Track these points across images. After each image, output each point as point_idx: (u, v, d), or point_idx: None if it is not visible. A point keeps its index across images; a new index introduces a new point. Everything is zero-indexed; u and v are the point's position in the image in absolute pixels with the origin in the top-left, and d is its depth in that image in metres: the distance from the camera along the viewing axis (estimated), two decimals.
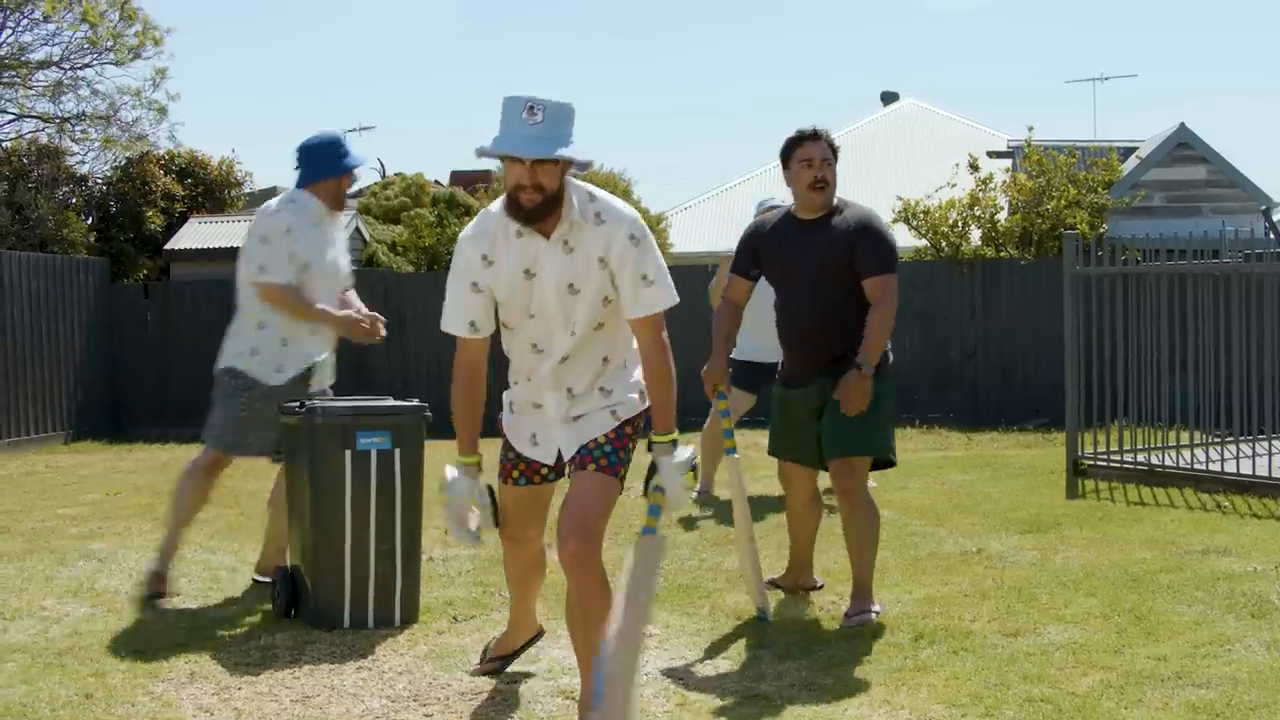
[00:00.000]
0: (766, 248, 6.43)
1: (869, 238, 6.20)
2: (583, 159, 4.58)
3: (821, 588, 6.92)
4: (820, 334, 6.28)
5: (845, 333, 6.20)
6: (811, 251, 6.23)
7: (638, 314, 4.73)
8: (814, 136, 6.29)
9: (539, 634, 5.72)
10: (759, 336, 8.63)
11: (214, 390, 7.41)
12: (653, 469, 4.75)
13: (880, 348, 6.15)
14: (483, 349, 4.84)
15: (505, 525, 5.06)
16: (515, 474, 5.01)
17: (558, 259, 4.68)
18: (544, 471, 4.99)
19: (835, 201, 6.33)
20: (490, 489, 4.96)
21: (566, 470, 4.92)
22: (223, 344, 7.37)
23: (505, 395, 5.05)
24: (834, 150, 6.33)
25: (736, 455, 6.56)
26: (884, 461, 6.50)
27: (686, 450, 4.76)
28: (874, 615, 6.23)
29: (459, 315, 4.80)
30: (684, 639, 6.11)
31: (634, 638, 4.43)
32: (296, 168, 7.10)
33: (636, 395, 4.90)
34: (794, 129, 6.37)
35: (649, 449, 4.79)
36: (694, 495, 9.35)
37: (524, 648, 5.65)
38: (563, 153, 4.51)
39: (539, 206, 4.56)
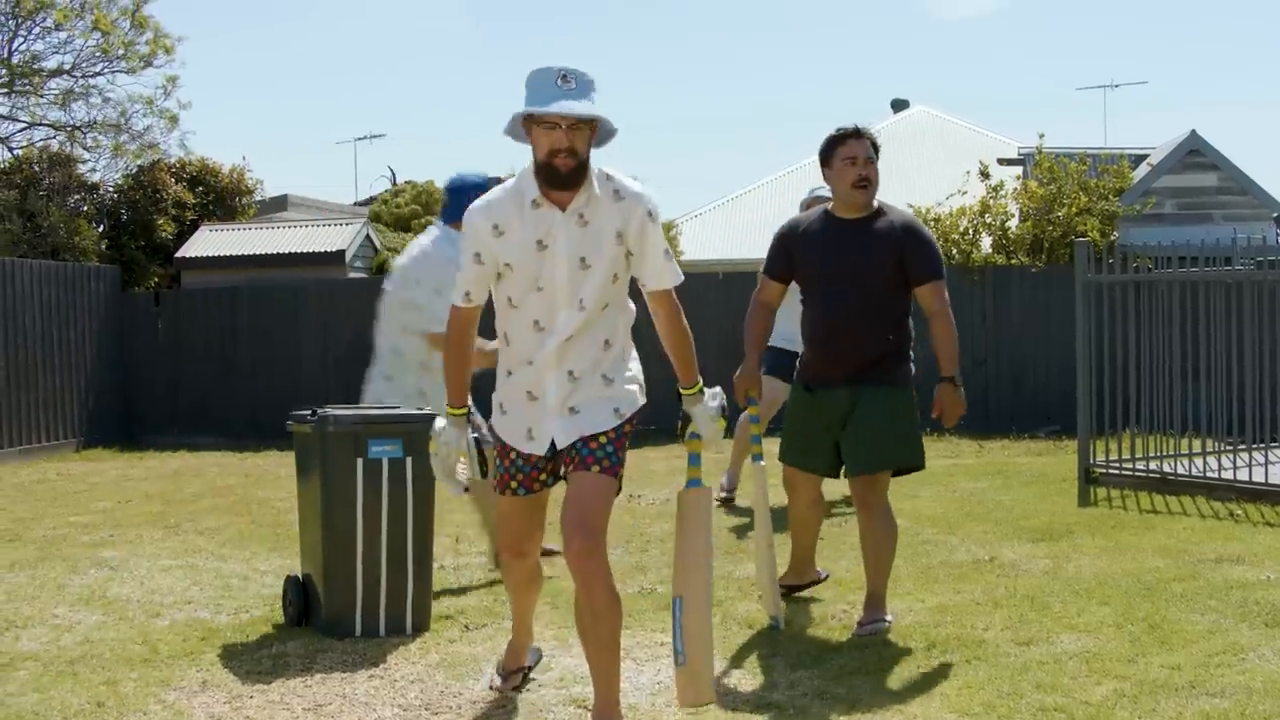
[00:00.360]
0: (802, 248, 6.32)
1: (917, 242, 6.14)
2: (615, 125, 4.71)
3: (827, 578, 6.97)
4: (855, 336, 6.16)
5: (878, 338, 6.16)
6: (854, 252, 6.13)
7: (663, 285, 4.89)
8: (856, 134, 6.20)
9: (538, 657, 5.72)
10: (792, 325, 8.63)
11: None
12: (686, 419, 5.09)
13: (955, 354, 6.14)
14: (475, 313, 4.93)
15: (507, 541, 5.14)
16: (514, 484, 4.99)
17: (572, 231, 4.72)
18: (542, 477, 4.99)
19: (876, 202, 6.26)
20: (478, 440, 5.10)
21: (563, 471, 4.91)
22: (373, 387, 7.54)
23: (495, 397, 5.03)
24: (876, 148, 6.25)
25: (763, 463, 6.48)
26: (911, 466, 6.42)
27: (714, 394, 5.11)
28: (886, 624, 6.21)
29: (460, 284, 4.88)
30: None
31: (701, 596, 4.88)
32: (445, 205, 7.48)
33: (636, 388, 4.97)
34: (835, 128, 6.28)
35: (679, 399, 5.07)
36: (719, 496, 9.40)
37: (528, 670, 5.64)
38: (601, 114, 4.63)
39: (574, 171, 4.63)
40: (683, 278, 4.96)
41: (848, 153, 6.17)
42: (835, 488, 8.03)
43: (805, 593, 6.92)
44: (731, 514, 9.58)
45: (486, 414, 5.25)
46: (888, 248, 6.12)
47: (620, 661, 4.89)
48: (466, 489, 5.24)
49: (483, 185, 6.97)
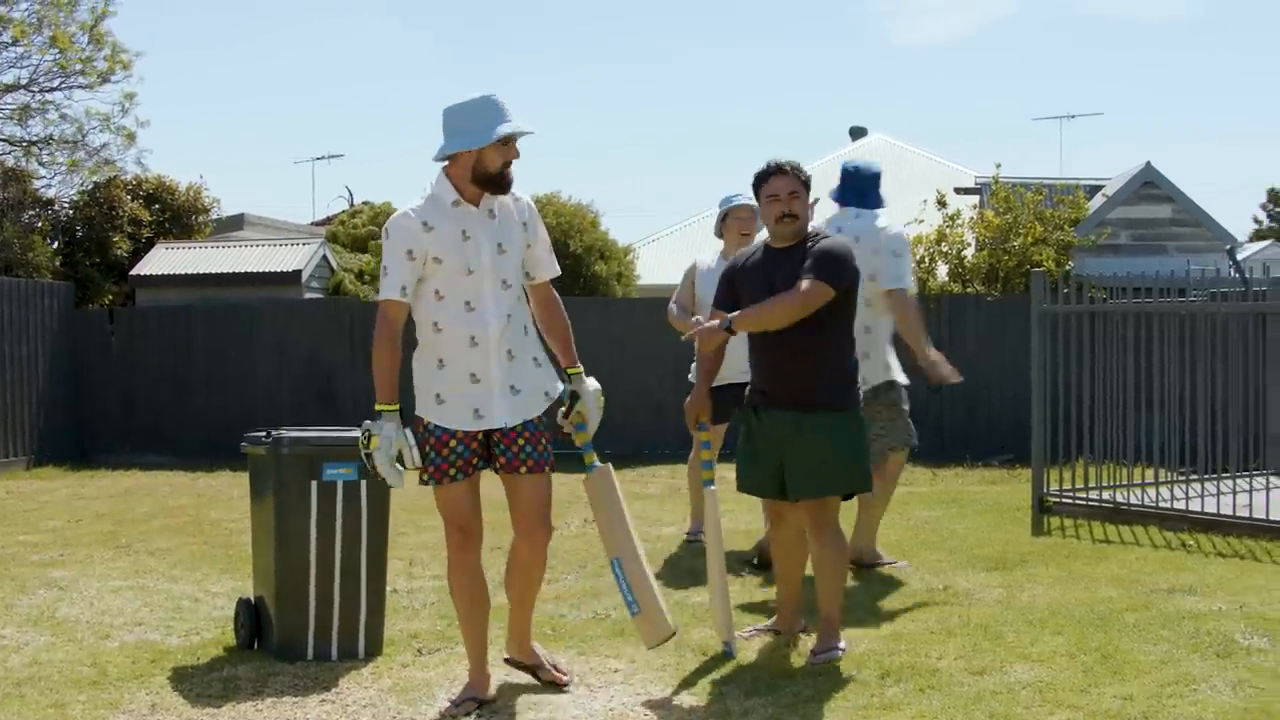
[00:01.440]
0: (743, 279, 6.41)
1: (819, 253, 6.18)
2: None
3: (806, 630, 6.73)
4: (793, 362, 6.21)
5: (817, 362, 6.19)
6: (785, 279, 6.19)
7: (549, 275, 5.83)
8: (779, 171, 6.35)
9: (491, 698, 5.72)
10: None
11: (882, 401, 8.18)
12: (574, 397, 5.86)
13: (757, 319, 6.16)
14: (405, 311, 5.54)
15: (456, 522, 5.62)
16: (453, 471, 5.55)
17: (487, 223, 5.57)
18: (475, 461, 5.59)
19: (810, 229, 6.38)
20: (412, 431, 5.53)
21: (496, 465, 5.62)
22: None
23: (428, 391, 5.58)
24: (804, 181, 6.36)
25: (715, 488, 6.53)
26: (856, 490, 6.46)
27: (593, 380, 5.92)
28: (840, 653, 6.20)
29: (396, 282, 5.48)
30: (649, 674, 6.09)
31: (633, 552, 5.87)
32: (857, 190, 8.47)
33: (553, 371, 5.82)
34: (764, 162, 6.42)
35: (567, 380, 5.86)
36: (687, 536, 9.43)
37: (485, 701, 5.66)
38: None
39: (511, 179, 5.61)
40: (559, 271, 5.91)
41: (769, 190, 6.34)
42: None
43: (758, 619, 6.91)
44: (694, 544, 9.53)
45: None
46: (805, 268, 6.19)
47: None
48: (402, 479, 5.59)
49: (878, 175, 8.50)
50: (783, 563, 6.66)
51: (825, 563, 6.32)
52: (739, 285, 6.43)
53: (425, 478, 5.57)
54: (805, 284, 6.07)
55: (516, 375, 5.58)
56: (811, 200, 8.59)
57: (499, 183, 5.54)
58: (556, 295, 5.89)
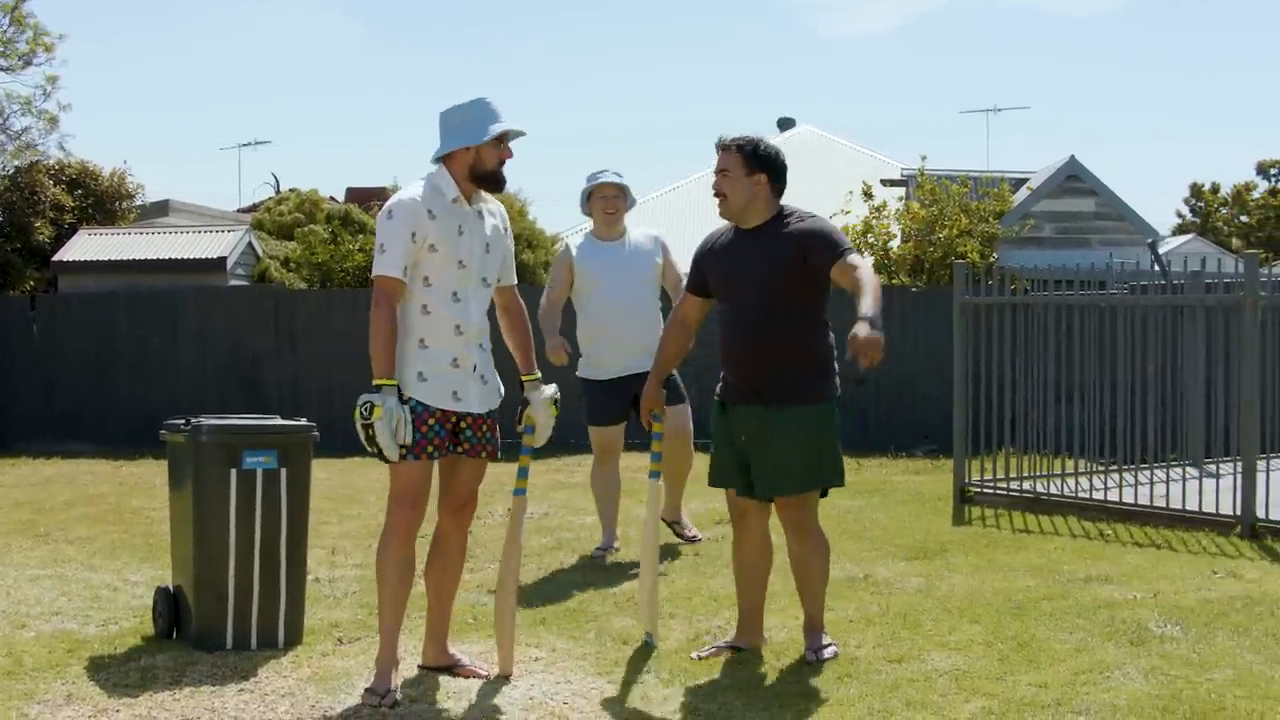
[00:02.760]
0: (711, 261, 6.18)
1: (814, 233, 5.91)
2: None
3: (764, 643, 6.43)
4: (758, 349, 5.94)
5: (784, 350, 5.92)
6: (753, 261, 5.98)
7: (512, 280, 6.07)
8: (719, 147, 6.10)
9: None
10: (605, 350, 8.51)
11: None
12: (525, 404, 6.06)
13: (878, 295, 5.61)
14: (403, 290, 5.63)
15: (412, 498, 5.66)
16: (430, 449, 5.64)
17: (477, 222, 5.79)
18: (447, 442, 5.71)
19: (782, 208, 6.09)
20: (408, 406, 5.58)
21: (461, 448, 5.77)
22: None
23: (409, 367, 5.63)
24: (748, 159, 6.01)
25: (659, 481, 6.49)
26: (828, 485, 6.17)
27: (550, 387, 6.10)
28: (835, 650, 6.06)
29: (398, 260, 5.59)
30: (570, 662, 6.10)
31: (513, 569, 6.04)
32: None
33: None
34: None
35: (521, 389, 6.05)
36: (596, 553, 8.64)
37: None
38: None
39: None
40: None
41: (716, 167, 6.12)
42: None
43: (679, 609, 6.93)
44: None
45: None
46: (789, 251, 5.91)
47: None
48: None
49: None
50: (744, 572, 6.30)
51: (807, 564, 6.12)
52: (707, 269, 6.19)
53: (404, 452, 5.55)
54: (850, 265, 5.75)
55: (486, 367, 5.84)
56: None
57: (495, 179, 5.79)
58: (521, 301, 6.13)
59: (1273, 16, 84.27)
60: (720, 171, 6.07)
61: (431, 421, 5.63)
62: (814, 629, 6.17)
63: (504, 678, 5.84)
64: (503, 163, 5.80)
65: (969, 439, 10.77)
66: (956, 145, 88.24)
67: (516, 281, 6.12)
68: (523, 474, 6.10)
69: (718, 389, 6.23)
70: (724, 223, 6.24)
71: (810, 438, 5.95)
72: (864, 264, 5.82)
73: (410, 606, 5.86)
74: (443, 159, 5.75)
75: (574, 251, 8.60)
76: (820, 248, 5.86)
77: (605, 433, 8.55)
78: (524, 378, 6.08)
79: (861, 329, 5.44)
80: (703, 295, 6.28)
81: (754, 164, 6.04)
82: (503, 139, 5.75)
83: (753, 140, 6.08)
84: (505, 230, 5.98)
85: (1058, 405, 10.72)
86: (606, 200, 8.51)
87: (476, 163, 5.72)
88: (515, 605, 6.02)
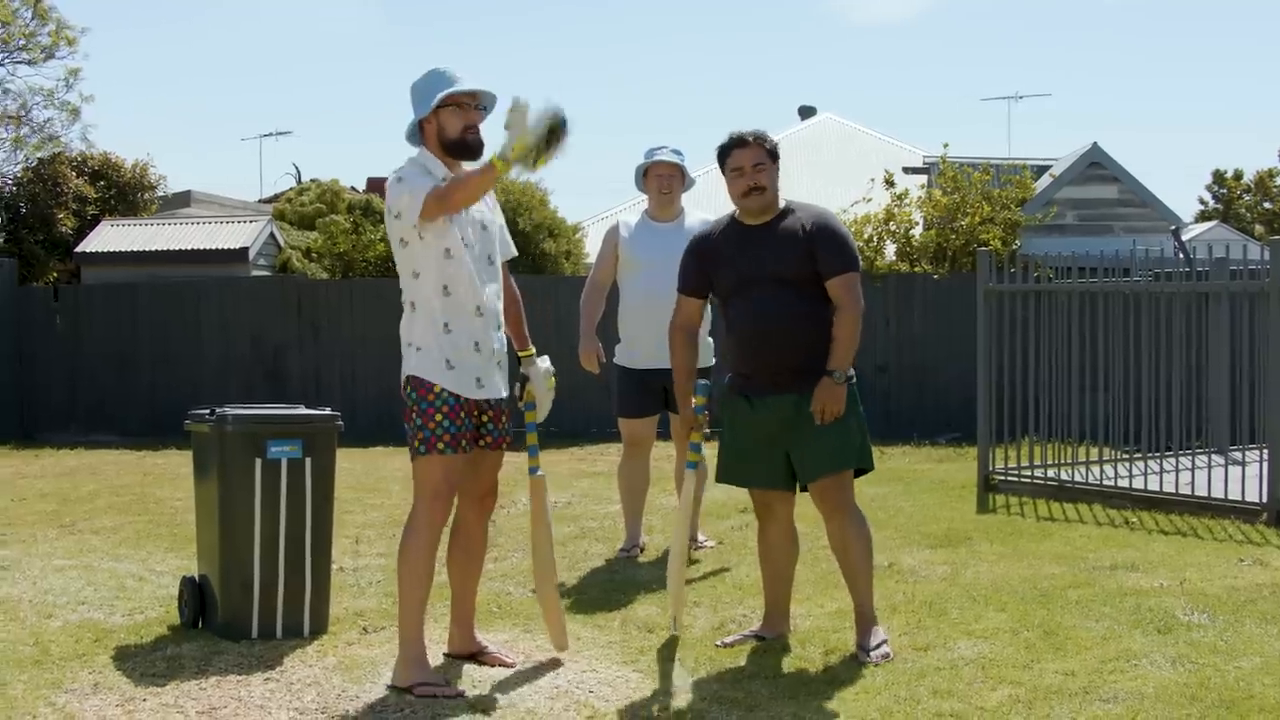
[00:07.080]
0: (716, 259, 6.12)
1: (826, 236, 5.93)
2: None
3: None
4: (784, 341, 5.91)
5: (809, 339, 5.89)
6: (767, 256, 5.96)
7: (507, 255, 5.95)
8: (742, 143, 6.04)
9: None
10: (641, 337, 8.12)
11: None
12: (524, 379, 5.99)
13: (851, 352, 5.83)
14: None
15: (446, 493, 5.58)
16: (464, 443, 5.57)
17: None
18: (474, 439, 5.65)
19: (783, 203, 6.10)
20: (440, 397, 5.57)
21: (485, 440, 5.71)
22: None
23: (436, 354, 5.55)
24: (769, 151, 6.07)
25: (695, 470, 6.32)
26: (865, 466, 6.15)
27: (545, 359, 6.05)
28: (889, 649, 5.93)
29: (428, 183, 5.51)
30: (595, 651, 6.10)
31: (548, 556, 6.07)
32: None
33: None
34: (727, 134, 6.13)
35: (519, 365, 5.97)
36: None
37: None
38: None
39: (481, 144, 5.65)
40: (516, 252, 6.10)
41: (734, 163, 6.04)
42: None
43: (704, 598, 6.92)
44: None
45: None
46: (799, 247, 5.93)
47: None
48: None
49: None
50: (770, 562, 6.27)
51: (851, 548, 6.04)
52: (713, 268, 6.12)
53: (442, 446, 5.49)
54: (847, 286, 5.86)
55: (501, 353, 5.75)
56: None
57: (465, 146, 5.63)
58: (511, 278, 6.01)
59: None
60: (756, 166, 6.02)
61: (463, 415, 5.55)
62: (865, 621, 6.03)
63: (556, 661, 5.93)
64: (469, 128, 5.63)
65: (993, 427, 10.75)
66: (978, 132, 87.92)
67: (512, 254, 6.02)
68: (533, 451, 6.07)
69: (732, 384, 6.16)
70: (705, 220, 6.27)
71: (846, 417, 5.90)
72: (850, 304, 5.91)
73: (433, 595, 5.86)
74: (423, 140, 5.68)
75: (622, 230, 8.36)
76: (827, 255, 5.93)
77: (635, 426, 8.26)
78: (520, 353, 6.00)
79: (824, 385, 5.82)
80: (701, 297, 6.29)
81: (774, 157, 6.11)
82: (464, 104, 5.60)
83: (767, 135, 6.15)
84: (493, 205, 5.90)
85: (1082, 393, 10.68)
86: (661, 179, 8.25)
87: (440, 133, 5.62)
88: (557, 585, 6.10)
